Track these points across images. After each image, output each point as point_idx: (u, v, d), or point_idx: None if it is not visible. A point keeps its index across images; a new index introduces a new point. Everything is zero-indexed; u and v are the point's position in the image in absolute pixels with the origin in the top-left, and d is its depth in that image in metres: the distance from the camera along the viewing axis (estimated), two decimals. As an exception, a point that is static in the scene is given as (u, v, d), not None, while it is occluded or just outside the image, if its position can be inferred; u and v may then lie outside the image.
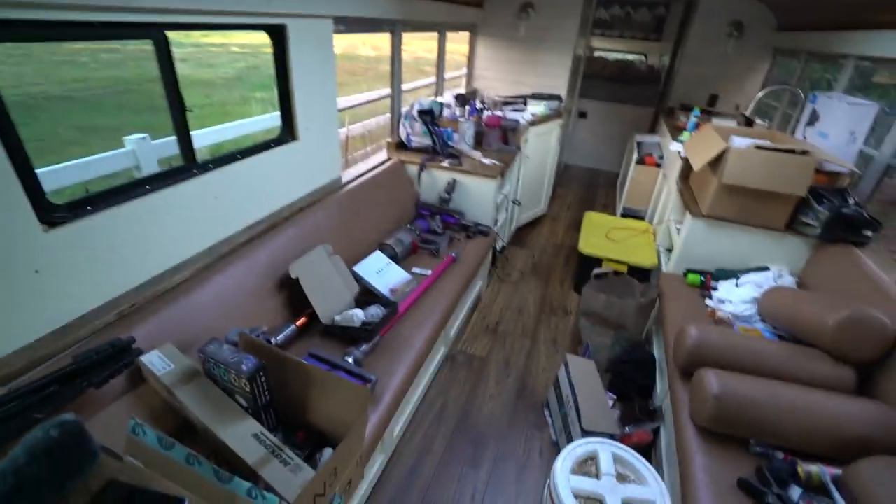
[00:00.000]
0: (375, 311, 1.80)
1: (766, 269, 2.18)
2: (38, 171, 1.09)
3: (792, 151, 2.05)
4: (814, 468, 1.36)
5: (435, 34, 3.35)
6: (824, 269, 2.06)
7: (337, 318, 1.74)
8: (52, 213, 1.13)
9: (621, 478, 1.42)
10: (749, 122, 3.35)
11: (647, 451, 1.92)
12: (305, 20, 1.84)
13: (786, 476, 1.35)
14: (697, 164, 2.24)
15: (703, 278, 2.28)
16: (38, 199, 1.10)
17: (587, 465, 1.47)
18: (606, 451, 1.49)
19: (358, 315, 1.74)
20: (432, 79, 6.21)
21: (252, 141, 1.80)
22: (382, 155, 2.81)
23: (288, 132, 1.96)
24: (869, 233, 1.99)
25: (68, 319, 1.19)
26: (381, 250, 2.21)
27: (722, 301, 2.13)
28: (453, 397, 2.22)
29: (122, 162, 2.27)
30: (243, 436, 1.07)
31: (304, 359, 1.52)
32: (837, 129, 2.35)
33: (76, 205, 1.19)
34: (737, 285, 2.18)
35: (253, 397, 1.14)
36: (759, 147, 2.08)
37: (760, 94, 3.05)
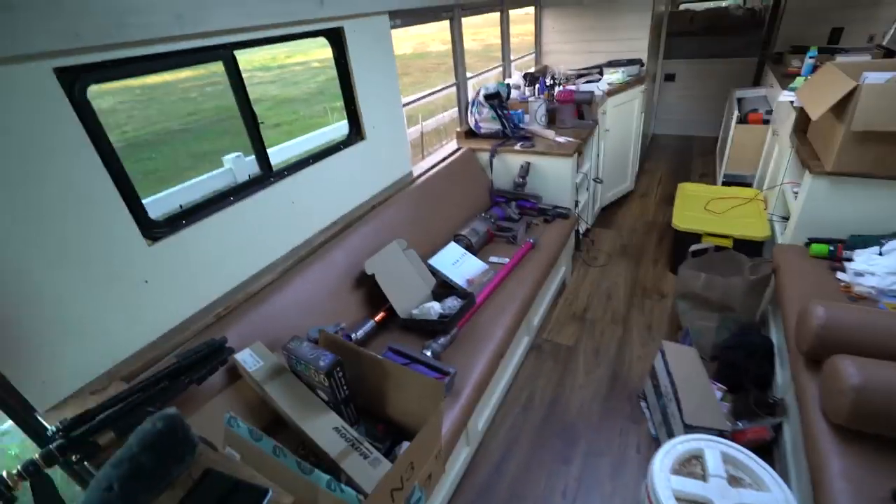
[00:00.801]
0: (452, 303, 1.78)
1: (921, 230, 1.78)
2: (156, 196, 1.23)
3: (949, 81, 1.64)
4: None
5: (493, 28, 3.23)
6: None
7: (414, 311, 1.75)
8: (153, 229, 1.26)
9: (734, 481, 1.25)
10: (890, 54, 2.76)
11: (768, 450, 1.67)
12: (361, 20, 1.86)
13: (960, 485, 1.09)
14: (816, 111, 1.88)
15: (832, 248, 1.93)
16: (141, 219, 1.23)
17: (691, 465, 1.31)
18: (714, 449, 1.32)
19: (435, 308, 1.74)
20: (492, 72, 6.04)
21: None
22: (452, 145, 2.78)
23: (356, 133, 2.01)
24: None
25: (175, 323, 1.33)
26: (456, 241, 2.18)
27: (860, 274, 1.78)
28: (540, 389, 2.14)
29: (222, 180, 2.51)
30: (324, 429, 1.11)
31: (384, 353, 1.56)
32: None
33: (172, 220, 1.32)
34: (880, 253, 1.80)
35: (332, 391, 1.18)
36: (900, 82, 1.69)
37: (901, 17, 2.48)
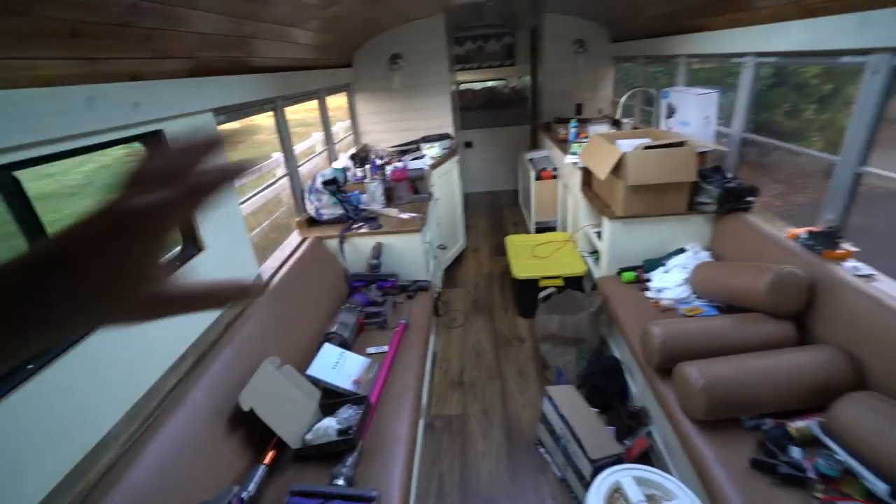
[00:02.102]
0: (349, 414, 1.62)
1: (684, 250, 2.40)
2: None
3: (672, 145, 2.31)
4: (801, 424, 1.46)
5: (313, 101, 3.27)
6: (727, 238, 2.32)
7: (308, 437, 1.53)
8: None
9: (651, 500, 1.40)
10: (617, 124, 3.74)
11: (648, 455, 1.94)
12: (183, 119, 1.66)
13: (783, 440, 1.44)
14: (601, 173, 2.42)
15: (636, 273, 2.44)
16: None
17: (616, 500, 1.43)
18: (627, 477, 1.46)
19: (331, 426, 1.54)
20: (311, 140, 6.08)
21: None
22: (295, 237, 2.61)
23: (191, 244, 1.72)
24: (751, 199, 2.29)
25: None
26: (329, 341, 2.01)
27: (659, 290, 2.28)
28: (447, 471, 2.07)
29: None
30: None
31: (287, 501, 1.30)
32: (694, 116, 2.70)
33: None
34: (666, 271, 2.36)
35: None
36: (647, 147, 2.30)
37: (624, 97, 3.43)
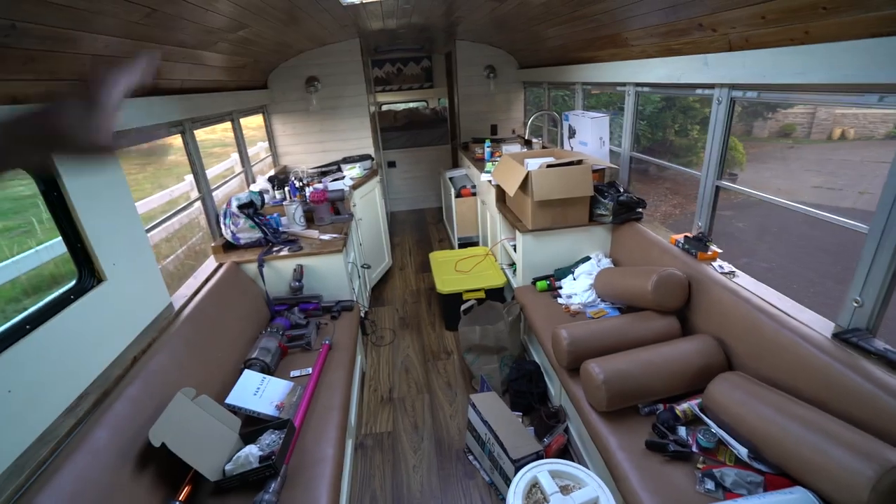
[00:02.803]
0: (271, 439, 1.59)
1: (589, 258, 2.64)
2: None
3: (571, 163, 2.55)
4: (686, 406, 1.68)
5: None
6: (623, 245, 2.60)
7: (228, 467, 1.48)
8: None
9: (565, 490, 1.52)
10: (528, 143, 4.03)
11: (567, 449, 2.09)
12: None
13: (672, 422, 1.64)
14: (510, 190, 2.61)
15: (548, 282, 2.64)
16: None
17: (534, 494, 1.53)
18: (543, 472, 1.58)
19: (252, 453, 1.51)
20: (230, 161, 5.83)
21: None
22: (211, 262, 2.51)
23: (90, 276, 1.61)
24: (640, 210, 2.59)
25: None
26: (249, 368, 1.96)
27: (569, 296, 2.49)
28: (378, 486, 2.07)
29: None
30: None
31: (205, 538, 1.26)
32: (590, 137, 3.01)
33: None
34: (574, 278, 2.58)
35: None
36: (549, 165, 2.53)
37: (530, 120, 3.71)
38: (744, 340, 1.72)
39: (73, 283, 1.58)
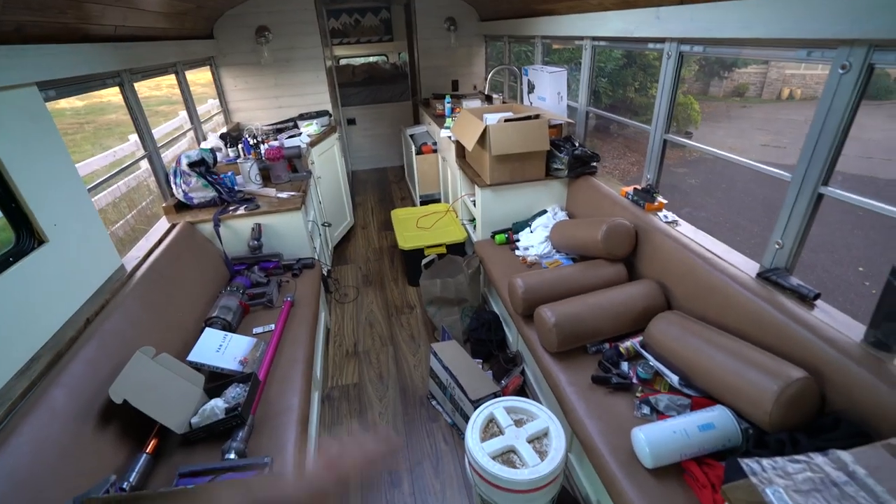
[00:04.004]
0: (236, 392, 1.63)
1: (545, 211, 2.72)
2: None
3: (528, 118, 2.58)
4: (629, 343, 1.82)
5: (171, 76, 2.99)
6: (578, 198, 2.69)
7: (194, 420, 1.51)
8: None
9: (518, 423, 1.65)
10: (489, 99, 4.00)
11: (523, 390, 2.24)
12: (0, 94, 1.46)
13: (616, 358, 1.78)
14: (469, 145, 2.62)
15: (506, 235, 2.72)
16: None
17: (491, 428, 1.66)
18: (499, 408, 1.70)
19: (218, 405, 1.54)
20: (179, 119, 5.51)
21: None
22: (163, 223, 2.43)
23: (29, 237, 1.55)
24: (595, 164, 2.67)
25: None
26: (211, 326, 1.96)
27: (526, 248, 2.58)
28: (346, 433, 2.17)
29: None
30: None
31: (175, 484, 1.31)
32: (549, 92, 3.02)
33: None
34: (531, 231, 2.66)
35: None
36: (507, 120, 2.55)
37: (489, 74, 3.67)
38: (682, 283, 1.87)
39: (11, 245, 1.52)
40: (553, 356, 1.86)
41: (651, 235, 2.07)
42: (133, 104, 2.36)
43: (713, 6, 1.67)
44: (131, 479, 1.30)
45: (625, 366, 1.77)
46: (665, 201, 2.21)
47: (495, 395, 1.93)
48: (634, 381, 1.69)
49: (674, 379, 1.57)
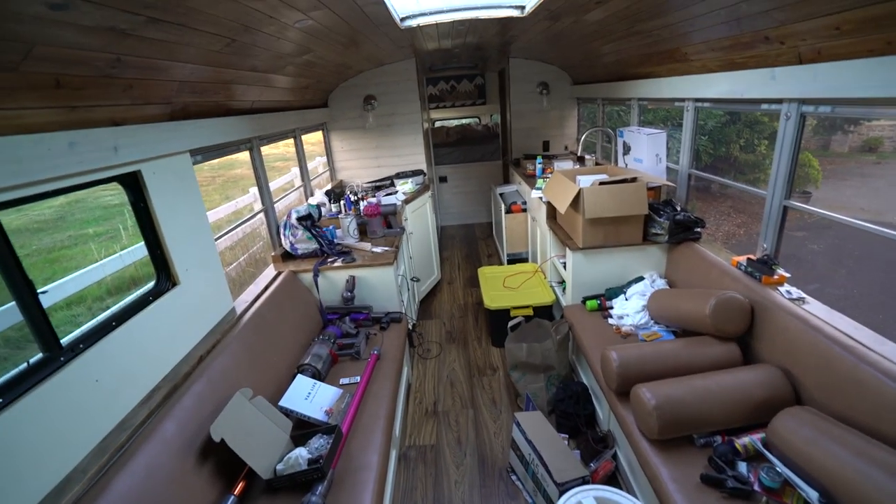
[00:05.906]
0: (320, 443, 1.65)
1: (642, 278, 2.55)
2: None
3: (626, 180, 2.49)
4: (746, 440, 1.57)
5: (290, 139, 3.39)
6: (680, 265, 2.49)
7: (279, 467, 1.55)
8: None
9: (611, 518, 1.46)
10: (581, 160, 3.97)
11: (615, 476, 2.01)
12: (160, 161, 1.74)
13: (731, 456, 1.53)
14: (562, 207, 2.58)
15: (599, 301, 2.57)
16: None
17: (578, 520, 1.49)
18: (588, 497, 1.53)
19: (302, 455, 1.57)
20: (290, 175, 6.18)
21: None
22: (270, 271, 2.67)
23: (166, 280, 1.77)
24: (699, 229, 2.47)
25: None
26: (302, 373, 2.05)
27: (621, 317, 2.41)
28: (420, 498, 2.08)
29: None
30: None
31: (256, 533, 1.32)
32: (646, 154, 2.92)
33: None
34: (626, 299, 2.49)
35: None
36: (602, 183, 2.48)
37: (583, 136, 3.67)
38: (814, 373, 1.59)
39: (152, 285, 1.75)
40: (653, 443, 1.65)
41: (772, 314, 1.82)
42: (258, 165, 2.70)
43: (841, 65, 1.52)
44: (219, 522, 1.34)
45: (742, 467, 1.51)
46: (787, 275, 1.95)
47: (584, 481, 1.74)
48: (756, 488, 1.43)
49: (812, 494, 1.30)
